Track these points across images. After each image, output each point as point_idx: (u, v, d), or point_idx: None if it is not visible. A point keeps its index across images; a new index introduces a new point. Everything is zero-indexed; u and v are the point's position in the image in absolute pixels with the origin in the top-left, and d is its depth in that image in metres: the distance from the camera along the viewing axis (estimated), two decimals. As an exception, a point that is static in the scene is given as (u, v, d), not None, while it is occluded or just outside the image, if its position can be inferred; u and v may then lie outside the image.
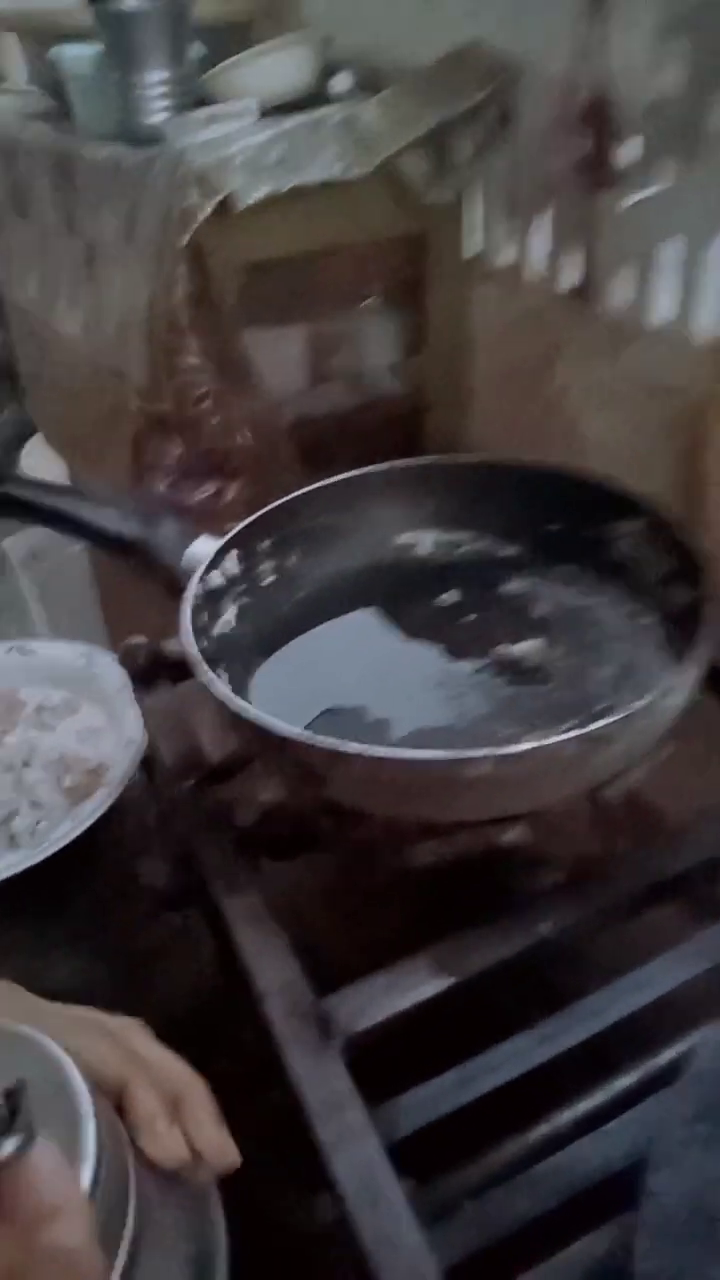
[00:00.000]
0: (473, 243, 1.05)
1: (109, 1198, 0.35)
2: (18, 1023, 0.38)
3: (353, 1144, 0.39)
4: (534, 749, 0.44)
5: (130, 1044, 0.41)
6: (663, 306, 0.88)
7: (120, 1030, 0.42)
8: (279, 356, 0.98)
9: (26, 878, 0.67)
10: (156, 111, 0.86)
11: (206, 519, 0.93)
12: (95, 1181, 0.34)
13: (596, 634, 0.63)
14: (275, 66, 0.92)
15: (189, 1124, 0.40)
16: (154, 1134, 0.38)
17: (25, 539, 1.50)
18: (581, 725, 0.46)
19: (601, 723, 0.46)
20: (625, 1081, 0.45)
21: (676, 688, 0.49)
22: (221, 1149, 0.40)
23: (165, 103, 0.86)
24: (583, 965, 0.55)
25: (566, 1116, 0.43)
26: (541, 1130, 0.43)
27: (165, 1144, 0.38)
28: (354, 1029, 0.43)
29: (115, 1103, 0.38)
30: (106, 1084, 0.38)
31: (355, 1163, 0.39)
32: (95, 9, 0.86)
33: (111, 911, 0.68)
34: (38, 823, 0.72)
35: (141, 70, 0.85)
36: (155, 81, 0.86)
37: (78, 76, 0.94)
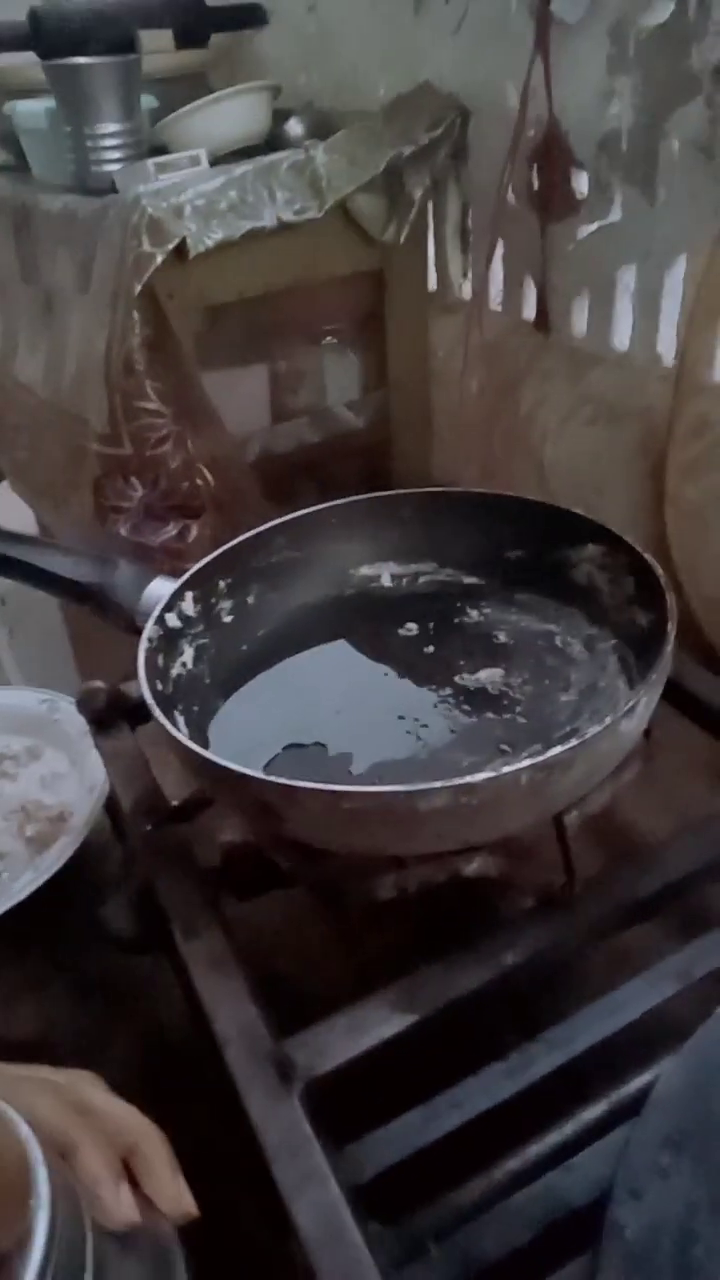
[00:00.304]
0: (431, 278, 1.07)
1: (64, 1258, 0.34)
2: None
3: (313, 1188, 0.39)
4: (490, 779, 0.44)
5: (80, 1097, 0.40)
6: (621, 333, 0.89)
7: (70, 1084, 0.41)
8: (240, 395, 0.99)
9: (-9, 928, 0.66)
10: (109, 162, 0.88)
11: (172, 559, 0.94)
12: (49, 1241, 0.33)
13: (557, 660, 0.63)
14: (227, 114, 0.94)
15: (143, 1176, 0.39)
16: (101, 1198, 0.37)
17: (-8, 585, 1.50)
18: (541, 752, 0.46)
19: (557, 750, 0.45)
20: (594, 1111, 0.44)
21: (634, 711, 0.49)
22: (177, 1200, 0.39)
23: (118, 154, 0.88)
24: (554, 989, 0.54)
25: (534, 1150, 0.42)
26: (509, 1165, 0.42)
27: (111, 1208, 0.37)
28: (314, 1072, 0.42)
29: (62, 1158, 0.37)
30: (54, 1142, 0.37)
31: (316, 1207, 0.38)
32: (47, 66, 0.87)
33: (77, 957, 0.67)
34: (0, 874, 0.71)
35: (94, 122, 0.87)
36: (107, 133, 0.87)
37: (32, 130, 0.96)
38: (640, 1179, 0.35)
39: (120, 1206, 0.37)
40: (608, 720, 0.47)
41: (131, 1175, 0.39)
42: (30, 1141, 0.34)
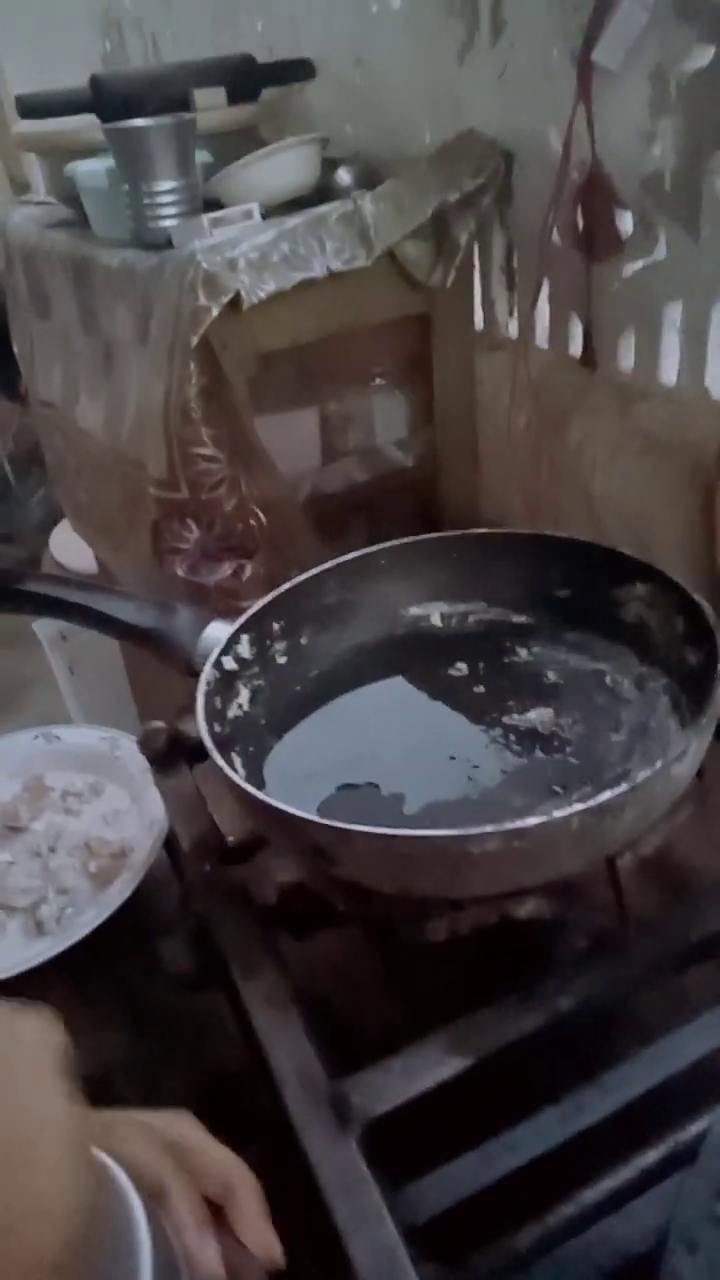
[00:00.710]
0: (478, 317, 1.08)
1: None
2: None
3: (370, 1229, 0.39)
4: (542, 823, 0.45)
5: (175, 1137, 0.40)
6: (668, 368, 0.90)
7: (165, 1125, 0.41)
8: (292, 438, 1.01)
9: (52, 962, 0.67)
10: (165, 218, 0.91)
11: (227, 597, 0.96)
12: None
13: (607, 699, 0.64)
14: (278, 167, 0.97)
15: (236, 1219, 0.39)
16: (191, 1246, 0.37)
17: (54, 621, 1.54)
18: (593, 794, 0.46)
19: (609, 794, 0.46)
20: (650, 1157, 0.44)
21: (687, 752, 0.49)
22: (268, 1247, 0.39)
23: (174, 209, 0.91)
24: (609, 1032, 0.54)
25: (589, 1195, 0.42)
26: (565, 1211, 0.42)
27: (200, 1257, 0.37)
28: (370, 1113, 0.43)
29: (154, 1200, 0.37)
30: (147, 1185, 0.37)
31: (372, 1248, 0.39)
32: (107, 128, 0.91)
33: (136, 993, 0.69)
34: (64, 909, 0.73)
35: (150, 180, 0.90)
36: (163, 190, 0.90)
37: (91, 189, 1.00)
38: (696, 1230, 0.35)
39: (205, 1258, 0.37)
40: (659, 764, 0.47)
41: (221, 1217, 0.39)
42: (132, 1196, 0.35)
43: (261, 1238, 0.39)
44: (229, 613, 0.64)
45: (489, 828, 0.44)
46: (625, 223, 0.87)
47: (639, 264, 0.87)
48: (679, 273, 0.84)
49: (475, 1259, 0.40)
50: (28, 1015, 0.37)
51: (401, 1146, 0.45)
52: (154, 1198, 0.38)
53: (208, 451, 0.88)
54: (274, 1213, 0.42)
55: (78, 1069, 0.57)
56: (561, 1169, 0.44)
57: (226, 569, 0.95)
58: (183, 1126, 0.42)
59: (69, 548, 1.61)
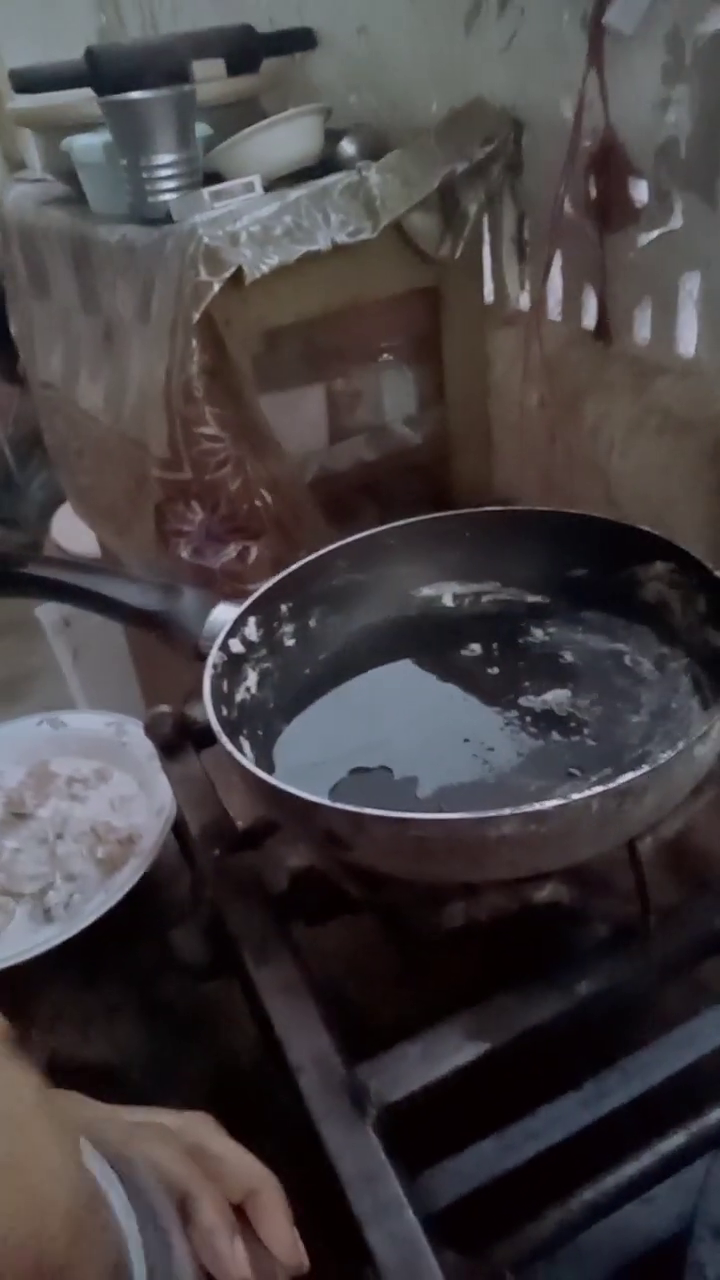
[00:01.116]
0: (488, 291, 1.06)
1: None
2: (79, 1134, 0.38)
3: (389, 1217, 0.38)
4: (560, 806, 0.44)
5: (197, 1141, 0.40)
6: (686, 341, 0.88)
7: (186, 1126, 0.41)
8: (298, 417, 1.00)
9: (63, 950, 0.67)
10: (165, 192, 0.89)
11: (232, 580, 0.95)
12: None
13: (626, 680, 0.62)
14: (280, 138, 0.95)
15: (259, 1223, 0.39)
16: (214, 1252, 0.37)
17: (57, 607, 1.53)
18: (612, 776, 0.45)
19: (629, 776, 0.45)
20: (673, 1143, 0.43)
21: (710, 733, 0.48)
22: (292, 1250, 0.39)
23: (174, 183, 0.89)
24: (630, 1018, 0.53)
25: (612, 1181, 0.41)
26: (587, 1197, 0.41)
27: (224, 1263, 0.37)
28: (388, 1100, 0.42)
29: (178, 1209, 0.37)
30: (172, 1190, 0.37)
31: (393, 1236, 0.38)
32: (103, 101, 0.89)
33: (149, 982, 0.68)
34: (72, 895, 0.72)
35: (149, 154, 0.88)
36: (163, 164, 0.88)
37: (89, 164, 0.98)
38: (725, 1221, 0.34)
39: (235, 1261, 0.37)
40: (680, 745, 0.46)
41: (245, 1221, 0.39)
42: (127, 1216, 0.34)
43: (286, 1242, 0.39)
44: (235, 596, 0.63)
45: (506, 811, 0.43)
46: (640, 192, 0.85)
47: (654, 234, 0.85)
48: (696, 242, 0.82)
49: (496, 1247, 0.39)
50: None
51: (420, 1134, 0.44)
52: (180, 1203, 0.37)
53: (211, 431, 0.86)
54: (291, 1205, 0.41)
55: (89, 1058, 0.57)
56: (584, 1156, 0.43)
57: (232, 551, 0.93)
58: (205, 1129, 0.42)
59: (71, 532, 1.60)
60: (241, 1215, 0.39)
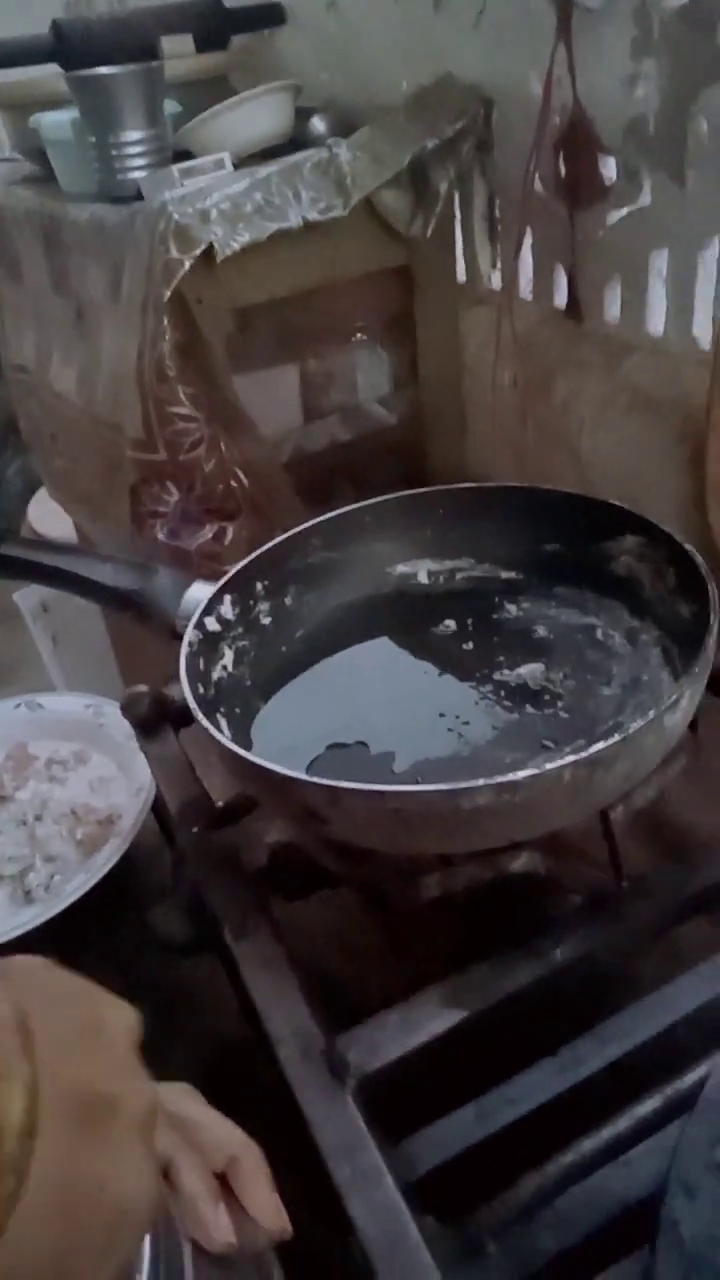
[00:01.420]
0: (460, 270, 1.06)
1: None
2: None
3: (369, 1186, 0.39)
4: (533, 776, 0.44)
5: (178, 1111, 0.40)
6: (655, 319, 0.88)
7: (168, 1099, 0.41)
8: (272, 397, 0.99)
9: (44, 930, 0.67)
10: (134, 170, 0.88)
11: (209, 561, 0.94)
12: (154, 1268, 0.33)
13: (599, 654, 0.63)
14: (250, 115, 0.94)
15: (241, 1190, 0.39)
16: (199, 1217, 0.37)
17: (34, 592, 1.52)
18: (585, 748, 0.45)
19: (600, 745, 0.45)
20: (648, 1106, 0.44)
21: (679, 702, 0.48)
22: (274, 1215, 0.39)
23: (143, 161, 0.88)
24: (606, 985, 0.54)
25: (589, 1145, 0.42)
26: (564, 1160, 0.42)
27: (209, 1229, 0.37)
28: (367, 1069, 0.43)
29: (162, 1176, 0.37)
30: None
31: (373, 1205, 0.38)
32: (69, 77, 0.88)
33: (130, 961, 0.68)
34: (52, 876, 0.72)
35: (118, 131, 0.87)
36: (132, 141, 0.87)
37: (57, 141, 0.97)
38: (694, 1175, 0.35)
39: (219, 1227, 0.37)
40: (651, 714, 0.47)
41: (228, 1189, 0.39)
42: None
43: (268, 1208, 0.39)
44: (212, 576, 0.63)
45: (480, 782, 0.44)
46: (609, 169, 0.85)
47: (623, 211, 0.85)
48: (665, 220, 0.82)
49: (476, 1212, 0.40)
50: (112, 999, 0.37)
51: (400, 1103, 0.44)
52: (163, 1171, 0.37)
53: (185, 410, 0.86)
54: (276, 1178, 0.42)
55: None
56: (561, 1121, 0.44)
57: (208, 532, 0.93)
58: (185, 1100, 0.42)
59: (48, 518, 1.58)
60: (224, 1184, 0.40)
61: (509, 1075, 0.46)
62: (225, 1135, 0.40)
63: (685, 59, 0.74)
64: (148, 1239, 0.33)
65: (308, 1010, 0.46)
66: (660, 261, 0.85)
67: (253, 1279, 0.41)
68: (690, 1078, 0.45)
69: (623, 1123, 0.43)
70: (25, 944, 0.67)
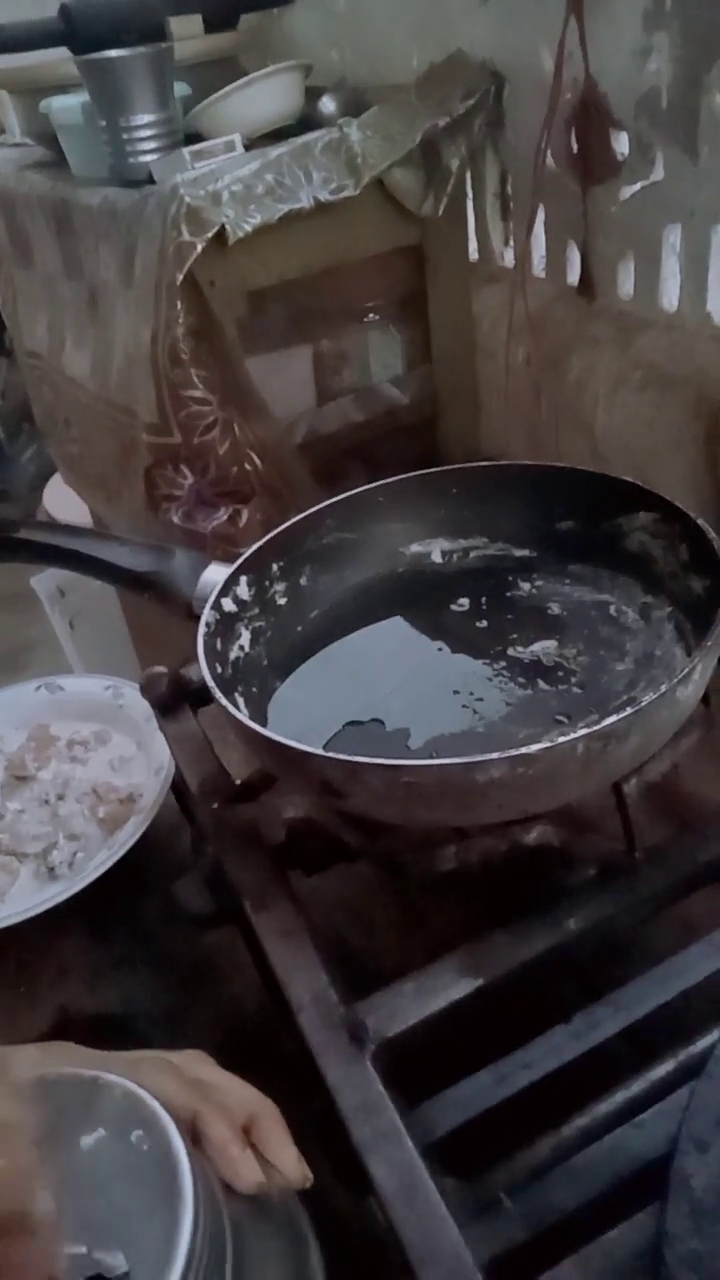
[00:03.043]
0: (472, 248, 1.06)
1: (208, 1235, 0.36)
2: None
3: (389, 1146, 0.40)
4: (546, 749, 0.45)
5: (196, 1074, 0.42)
6: (669, 294, 0.88)
7: (184, 1062, 0.43)
8: (285, 378, 1.00)
9: (71, 906, 0.68)
10: (145, 153, 0.88)
11: (224, 543, 0.95)
12: (195, 1226, 0.35)
13: (612, 629, 0.64)
14: (260, 96, 0.94)
15: (264, 1144, 0.41)
16: (229, 1159, 0.39)
17: (51, 576, 1.54)
18: (598, 722, 0.46)
19: (613, 719, 0.46)
20: (661, 1070, 0.45)
21: (692, 676, 0.49)
22: (297, 1166, 0.41)
23: (154, 144, 0.89)
24: (619, 954, 0.55)
25: (603, 1108, 0.43)
26: (579, 1122, 0.43)
27: (240, 1169, 0.39)
28: (385, 1034, 0.44)
29: (189, 1133, 0.39)
30: (177, 1116, 0.39)
31: (392, 1164, 0.40)
32: (79, 61, 0.88)
33: (155, 935, 0.70)
34: (75, 854, 0.74)
35: (128, 114, 0.87)
36: (142, 124, 0.88)
37: (68, 126, 0.97)
38: (705, 1132, 0.36)
39: (250, 1166, 0.39)
40: (663, 688, 0.47)
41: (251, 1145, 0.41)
42: (170, 1128, 0.36)
43: (290, 1158, 0.41)
44: (227, 558, 0.64)
45: (495, 755, 0.44)
46: (621, 144, 0.84)
47: (636, 187, 0.85)
48: (678, 195, 0.82)
49: (492, 1171, 0.41)
50: None
51: (418, 1068, 0.46)
52: (188, 1126, 0.39)
53: (199, 393, 0.86)
54: (297, 1142, 0.43)
55: (99, 1010, 0.58)
56: (575, 1085, 0.45)
57: (223, 515, 0.94)
58: (202, 1064, 0.44)
59: (63, 503, 1.60)
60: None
61: (525, 1041, 0.47)
62: (243, 1094, 0.42)
63: (698, 31, 0.73)
64: (190, 1198, 0.35)
65: (327, 979, 0.47)
66: (674, 237, 0.85)
67: (285, 1230, 0.42)
68: (702, 1043, 0.46)
69: (636, 1086, 0.44)
70: (50, 920, 0.68)
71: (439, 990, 0.46)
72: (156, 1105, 0.37)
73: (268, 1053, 0.57)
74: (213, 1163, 0.39)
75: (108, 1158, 0.37)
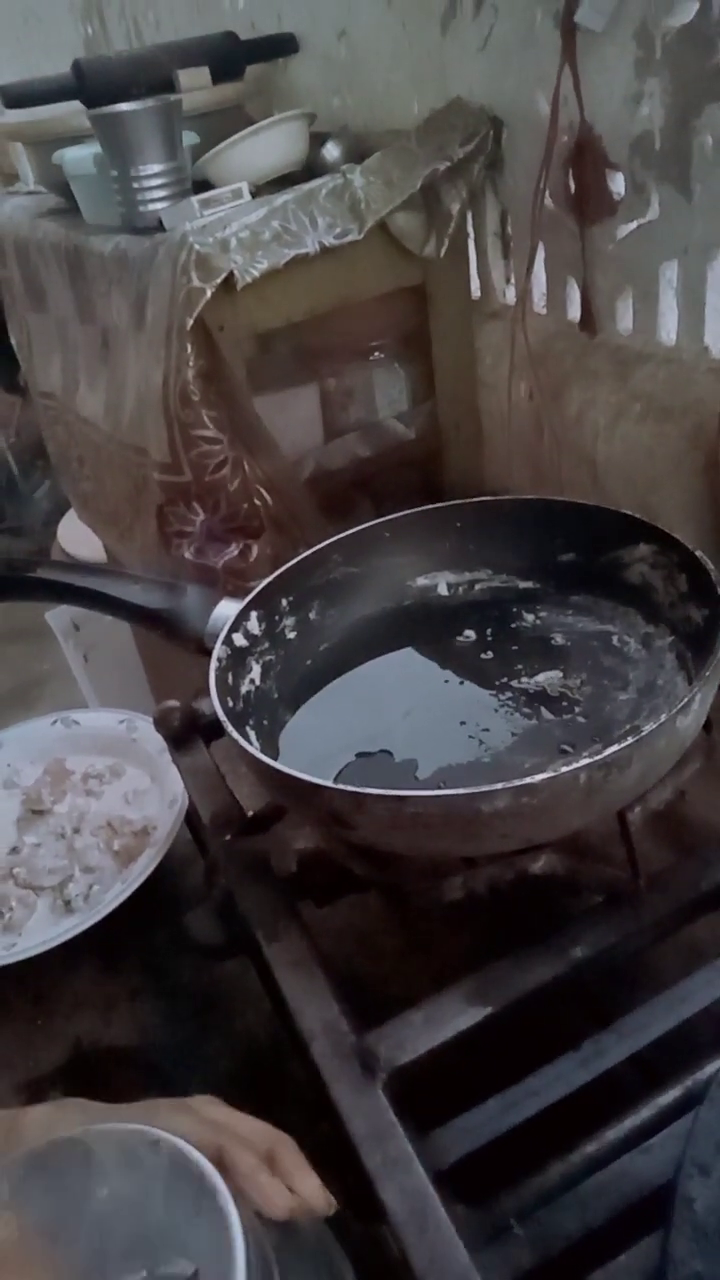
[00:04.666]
0: (474, 286, 1.08)
1: (256, 1265, 0.36)
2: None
3: (400, 1173, 0.41)
4: (550, 779, 0.46)
5: (211, 1114, 0.43)
6: (667, 328, 0.90)
7: (199, 1105, 0.44)
8: (292, 416, 1.02)
9: (85, 938, 0.69)
10: (155, 201, 0.91)
11: (235, 578, 0.97)
12: (246, 1251, 0.35)
13: (615, 659, 0.65)
14: (266, 144, 0.97)
15: (286, 1175, 0.41)
16: (260, 1186, 0.40)
17: (65, 611, 1.56)
18: (602, 751, 0.47)
19: (615, 748, 0.47)
20: (669, 1096, 0.46)
21: (692, 705, 0.50)
22: (320, 1193, 0.41)
23: (163, 193, 0.91)
24: (625, 981, 0.55)
25: (611, 1134, 0.44)
26: (587, 1149, 0.44)
27: (272, 1195, 0.39)
28: (396, 1063, 0.45)
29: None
30: (205, 1153, 0.39)
31: (403, 1191, 0.40)
32: (91, 114, 0.91)
33: (168, 967, 0.70)
34: (91, 887, 0.75)
35: (139, 164, 0.90)
36: (152, 173, 0.91)
37: (80, 176, 1.00)
38: (707, 1156, 0.37)
39: (280, 1192, 0.40)
40: (664, 716, 0.48)
41: None
42: (209, 1169, 0.37)
43: (314, 1188, 0.41)
44: (238, 593, 0.65)
45: (499, 785, 0.45)
46: (617, 184, 0.87)
47: (633, 225, 0.87)
48: (673, 232, 0.84)
49: (501, 1197, 0.42)
50: None
51: (429, 1096, 0.46)
52: (215, 1162, 0.39)
53: (209, 433, 0.89)
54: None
55: (113, 1041, 0.59)
56: (583, 1111, 0.46)
57: (233, 550, 0.96)
58: (215, 1108, 0.44)
59: (76, 539, 1.62)
60: None
61: (532, 1068, 0.47)
62: (259, 1131, 0.43)
63: (687, 77, 0.76)
64: (238, 1228, 0.35)
65: (338, 1008, 0.48)
66: (670, 272, 0.87)
67: (319, 1260, 0.43)
68: (709, 1068, 0.46)
69: (644, 1112, 0.45)
70: (65, 952, 0.69)
71: (448, 1019, 0.47)
72: (187, 1147, 0.38)
73: (279, 1083, 0.58)
74: (243, 1193, 0.39)
75: (146, 1202, 0.37)
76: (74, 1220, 0.37)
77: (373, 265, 0.96)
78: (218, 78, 1.08)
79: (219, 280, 0.84)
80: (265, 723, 0.63)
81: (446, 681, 0.66)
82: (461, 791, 0.46)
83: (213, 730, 0.68)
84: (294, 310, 0.93)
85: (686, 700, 0.49)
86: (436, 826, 0.48)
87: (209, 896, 0.60)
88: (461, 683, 0.65)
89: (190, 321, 0.84)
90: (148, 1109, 0.43)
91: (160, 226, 0.90)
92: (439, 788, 0.56)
